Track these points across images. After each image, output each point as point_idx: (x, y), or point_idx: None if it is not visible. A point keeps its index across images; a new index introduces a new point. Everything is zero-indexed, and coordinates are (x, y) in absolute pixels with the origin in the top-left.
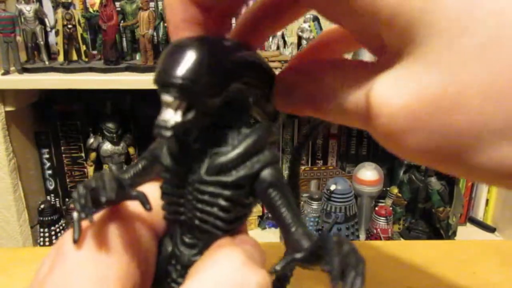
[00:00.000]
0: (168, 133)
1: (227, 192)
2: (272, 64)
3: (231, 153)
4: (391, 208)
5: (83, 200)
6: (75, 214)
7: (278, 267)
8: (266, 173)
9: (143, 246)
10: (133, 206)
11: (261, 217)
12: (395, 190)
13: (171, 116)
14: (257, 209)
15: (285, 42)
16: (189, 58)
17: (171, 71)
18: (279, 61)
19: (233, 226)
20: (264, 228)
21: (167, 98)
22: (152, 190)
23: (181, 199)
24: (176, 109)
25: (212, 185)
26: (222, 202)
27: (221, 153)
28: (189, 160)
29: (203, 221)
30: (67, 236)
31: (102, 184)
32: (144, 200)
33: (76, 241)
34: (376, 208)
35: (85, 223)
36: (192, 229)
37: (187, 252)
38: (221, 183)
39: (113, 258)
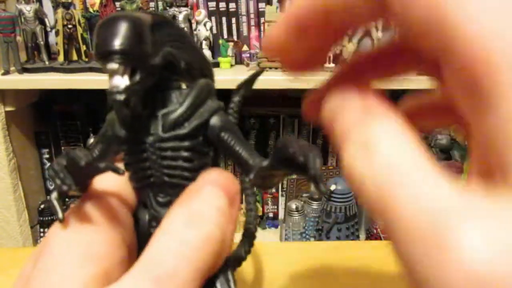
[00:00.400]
0: (121, 97)
1: (186, 143)
2: (272, 64)
3: (180, 108)
4: None
5: (61, 174)
6: (53, 195)
7: (251, 176)
8: (215, 120)
9: (124, 221)
10: (105, 185)
11: (261, 217)
12: None
13: (120, 81)
14: (258, 209)
15: None
16: (123, 27)
17: (109, 40)
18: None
19: (198, 174)
20: (264, 228)
21: (112, 66)
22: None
23: (146, 163)
24: (122, 74)
25: (171, 140)
26: (183, 153)
27: (170, 111)
28: (143, 125)
29: (171, 176)
30: (52, 227)
31: (75, 154)
32: (114, 168)
33: (62, 220)
34: None
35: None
36: (163, 187)
37: (164, 211)
38: (178, 136)
39: (98, 235)
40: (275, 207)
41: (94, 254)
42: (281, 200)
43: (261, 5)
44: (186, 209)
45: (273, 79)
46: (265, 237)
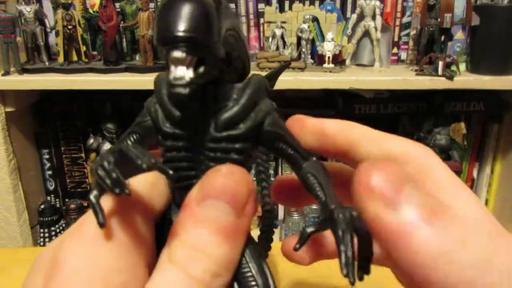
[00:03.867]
0: (186, 90)
1: (238, 145)
2: (271, 65)
3: (236, 107)
4: None
5: (114, 174)
6: (92, 194)
7: (297, 246)
8: (269, 124)
9: (148, 234)
10: (134, 186)
11: (260, 217)
12: None
13: (184, 73)
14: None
15: (284, 43)
16: (192, 10)
17: (176, 25)
18: (279, 61)
19: None
20: None
21: (177, 54)
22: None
23: (191, 163)
24: (188, 65)
25: (224, 140)
26: (234, 156)
27: (224, 109)
28: (192, 121)
29: None
30: (67, 241)
31: (133, 154)
32: (164, 169)
33: (103, 225)
34: None
35: (91, 228)
36: None
37: None
38: (231, 137)
39: (120, 259)
40: (275, 207)
41: (111, 283)
42: None
43: (261, 5)
44: (188, 238)
45: None
46: None
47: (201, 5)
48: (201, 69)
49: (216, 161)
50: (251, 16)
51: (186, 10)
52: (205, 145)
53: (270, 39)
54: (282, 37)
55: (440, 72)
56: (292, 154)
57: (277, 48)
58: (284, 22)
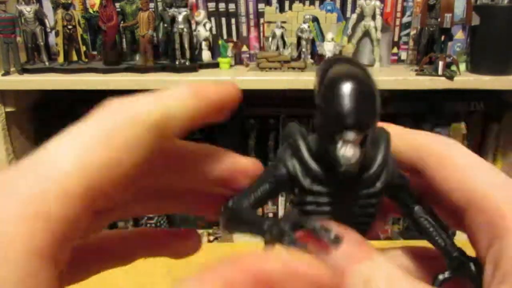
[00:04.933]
0: (356, 169)
1: (374, 201)
2: (271, 65)
3: (374, 167)
4: None
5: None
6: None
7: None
8: (396, 177)
9: None
10: None
11: None
12: None
13: (353, 153)
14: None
15: (284, 43)
16: (368, 94)
17: (354, 112)
18: (279, 61)
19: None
20: None
21: (352, 136)
22: None
23: (327, 215)
24: (356, 145)
25: (363, 198)
26: (370, 210)
27: (362, 167)
28: (335, 180)
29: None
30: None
31: (317, 228)
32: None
33: None
34: None
35: None
36: None
37: None
38: (369, 195)
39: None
40: (275, 207)
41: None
42: (281, 200)
43: (261, 5)
44: None
45: (273, 80)
46: None
47: (374, 92)
48: (363, 146)
49: (352, 215)
50: (251, 16)
51: (363, 97)
52: (344, 201)
53: (270, 39)
54: (282, 37)
55: (440, 72)
56: (409, 201)
57: (277, 48)
58: (284, 22)
